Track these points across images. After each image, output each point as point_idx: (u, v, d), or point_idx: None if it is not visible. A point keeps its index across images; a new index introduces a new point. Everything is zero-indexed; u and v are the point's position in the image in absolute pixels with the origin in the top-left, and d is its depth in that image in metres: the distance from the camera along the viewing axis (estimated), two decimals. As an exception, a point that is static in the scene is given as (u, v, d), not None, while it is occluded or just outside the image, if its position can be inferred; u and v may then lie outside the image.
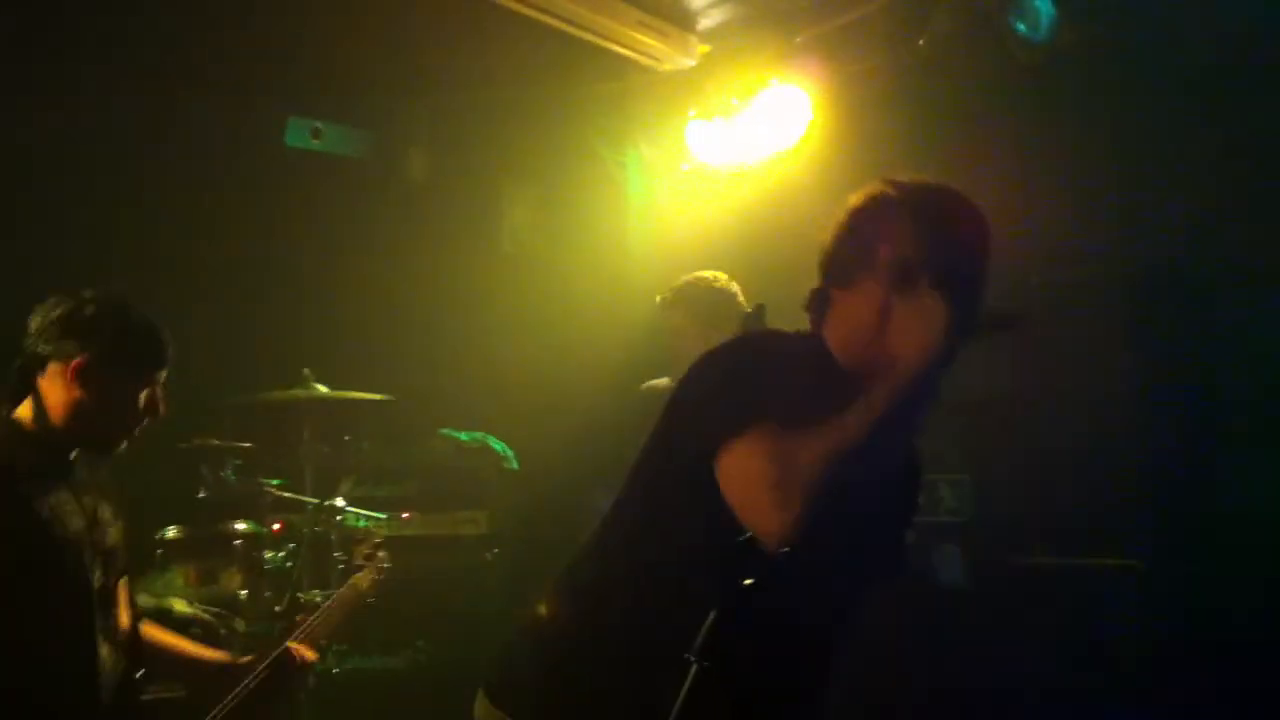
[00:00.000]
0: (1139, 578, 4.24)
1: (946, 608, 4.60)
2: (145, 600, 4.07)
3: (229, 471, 4.96)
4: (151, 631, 3.03)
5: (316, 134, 5.92)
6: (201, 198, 5.57)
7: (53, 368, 2.68)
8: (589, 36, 4.96)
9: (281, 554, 4.92)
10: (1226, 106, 4.23)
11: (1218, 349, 4.27)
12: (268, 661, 3.09)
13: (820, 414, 1.94)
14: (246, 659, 3.11)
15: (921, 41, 4.50)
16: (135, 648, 2.84)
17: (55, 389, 2.68)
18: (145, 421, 2.79)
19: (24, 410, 2.70)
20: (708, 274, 4.23)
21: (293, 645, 3.16)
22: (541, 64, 5.31)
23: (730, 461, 1.95)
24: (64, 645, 2.63)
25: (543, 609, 2.30)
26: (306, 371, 5.05)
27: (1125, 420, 4.36)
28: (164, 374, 2.81)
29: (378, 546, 3.72)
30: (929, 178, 2.22)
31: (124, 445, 2.80)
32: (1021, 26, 4.21)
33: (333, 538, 4.93)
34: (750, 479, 1.93)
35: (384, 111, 6.11)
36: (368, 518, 5.07)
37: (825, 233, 2.24)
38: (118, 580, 2.80)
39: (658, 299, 4.25)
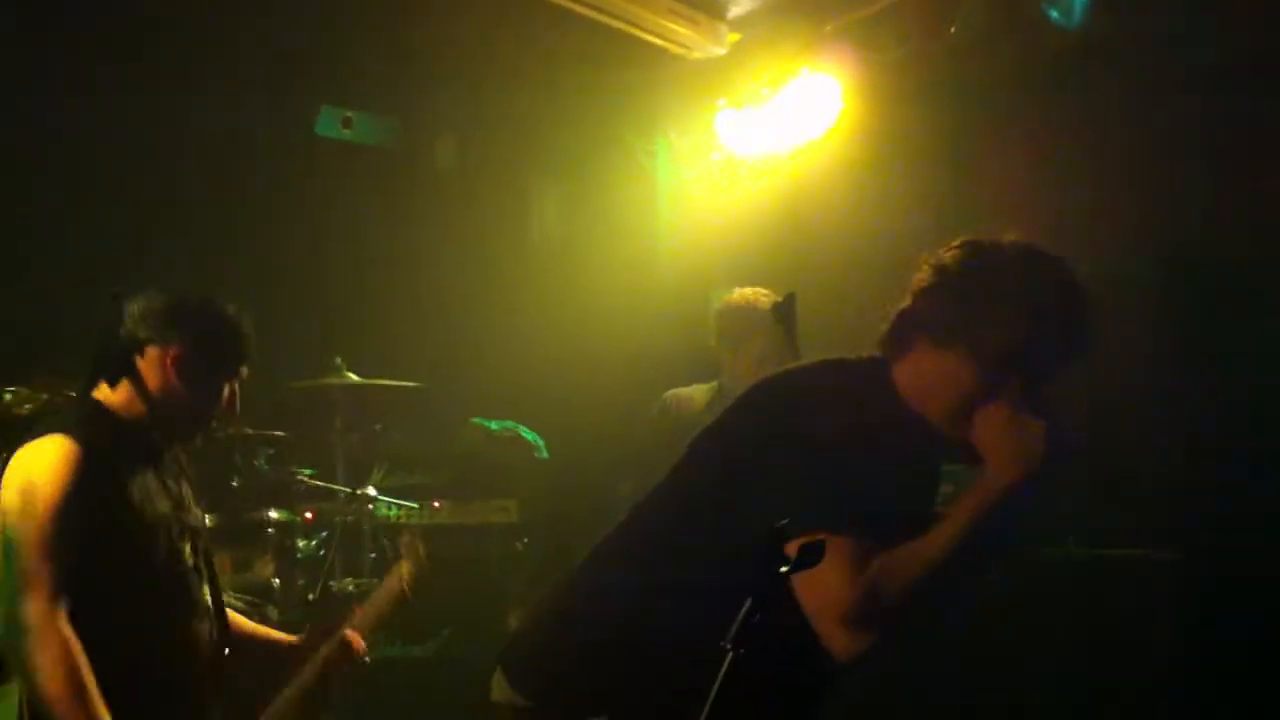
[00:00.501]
0: (1172, 569, 4.20)
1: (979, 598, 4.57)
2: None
3: (262, 460, 4.99)
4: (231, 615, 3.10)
5: (347, 123, 5.95)
6: (233, 187, 5.60)
7: (151, 353, 2.78)
8: (619, 24, 4.96)
9: (314, 542, 4.96)
10: (1251, 98, 4.19)
11: (1253, 338, 4.22)
12: (330, 648, 3.12)
13: (898, 501, 1.92)
14: (308, 638, 3.15)
15: (953, 29, 4.46)
16: (225, 622, 2.92)
17: (151, 375, 2.77)
18: (224, 418, 2.93)
19: (112, 394, 2.78)
20: (727, 294, 4.27)
21: (350, 633, 3.16)
22: (571, 52, 5.31)
23: (801, 579, 1.82)
24: (164, 621, 2.70)
25: (565, 598, 2.30)
26: (338, 360, 5.08)
27: (1159, 411, 4.33)
28: (246, 370, 2.92)
29: (414, 537, 3.72)
30: (1044, 248, 2.10)
31: (200, 438, 2.94)
32: (1055, 13, 4.18)
33: (364, 526, 4.96)
34: (829, 597, 1.88)
35: (413, 100, 6.12)
36: (399, 506, 5.10)
37: (926, 269, 2.13)
38: (206, 558, 2.89)
39: None
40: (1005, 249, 2.09)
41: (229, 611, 3.09)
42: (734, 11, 5.21)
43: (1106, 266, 4.47)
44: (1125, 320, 4.40)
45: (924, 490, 2.17)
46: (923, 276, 2.12)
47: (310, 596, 4.67)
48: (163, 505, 2.75)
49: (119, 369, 2.78)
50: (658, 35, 5.13)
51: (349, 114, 5.95)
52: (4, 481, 2.61)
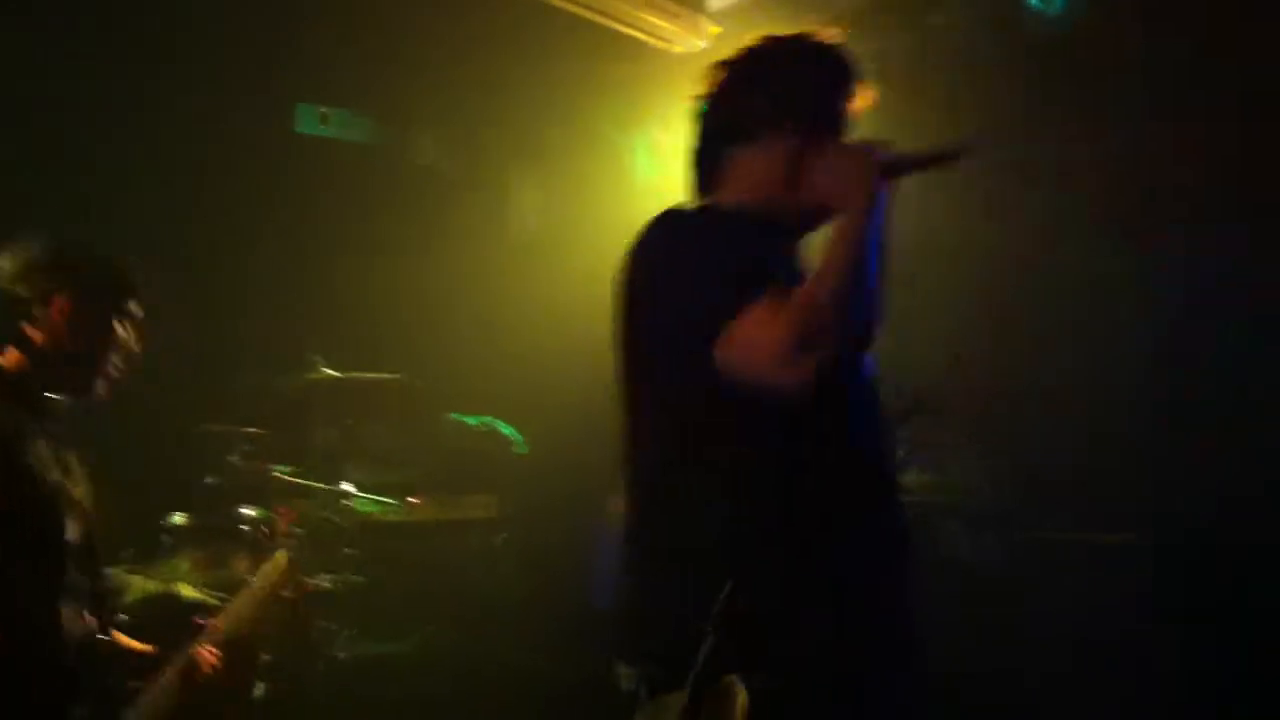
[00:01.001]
0: (1145, 553, 4.23)
1: (958, 582, 4.58)
2: (152, 585, 4.07)
3: (237, 457, 4.94)
4: None
5: (325, 119, 5.91)
6: (211, 183, 5.55)
7: (36, 311, 2.66)
8: (599, 18, 4.94)
9: (291, 540, 4.91)
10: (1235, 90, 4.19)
11: (1226, 329, 4.24)
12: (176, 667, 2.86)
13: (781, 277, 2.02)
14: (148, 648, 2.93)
15: (934, 20, 4.46)
16: (101, 607, 2.76)
17: (39, 331, 2.65)
18: (119, 359, 2.77)
19: (3, 358, 2.67)
20: None
21: (199, 650, 2.91)
22: (551, 46, 5.28)
23: (735, 340, 1.94)
24: (36, 602, 2.57)
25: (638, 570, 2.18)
26: (316, 356, 5.03)
27: (1134, 398, 4.35)
28: (132, 304, 2.80)
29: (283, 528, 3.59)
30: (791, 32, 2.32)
31: (105, 388, 2.76)
32: (1036, 2, 4.17)
33: (342, 523, 4.92)
34: (763, 341, 1.92)
35: (392, 96, 6.08)
36: (375, 502, 5.06)
37: (697, 96, 2.31)
38: (90, 537, 2.74)
39: None
40: (755, 41, 2.33)
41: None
42: (715, 5, 5.20)
43: (1086, 261, 4.51)
44: (1108, 315, 4.42)
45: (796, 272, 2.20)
46: (698, 105, 2.33)
47: (285, 593, 4.62)
48: (53, 475, 2.64)
49: (4, 330, 2.66)
50: (638, 29, 5.11)
51: (326, 110, 5.90)
52: None
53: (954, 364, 3.99)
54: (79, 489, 2.74)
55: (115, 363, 2.76)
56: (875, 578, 2.08)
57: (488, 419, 5.62)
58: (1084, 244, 4.45)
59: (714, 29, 5.26)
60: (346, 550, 4.91)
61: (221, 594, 3.31)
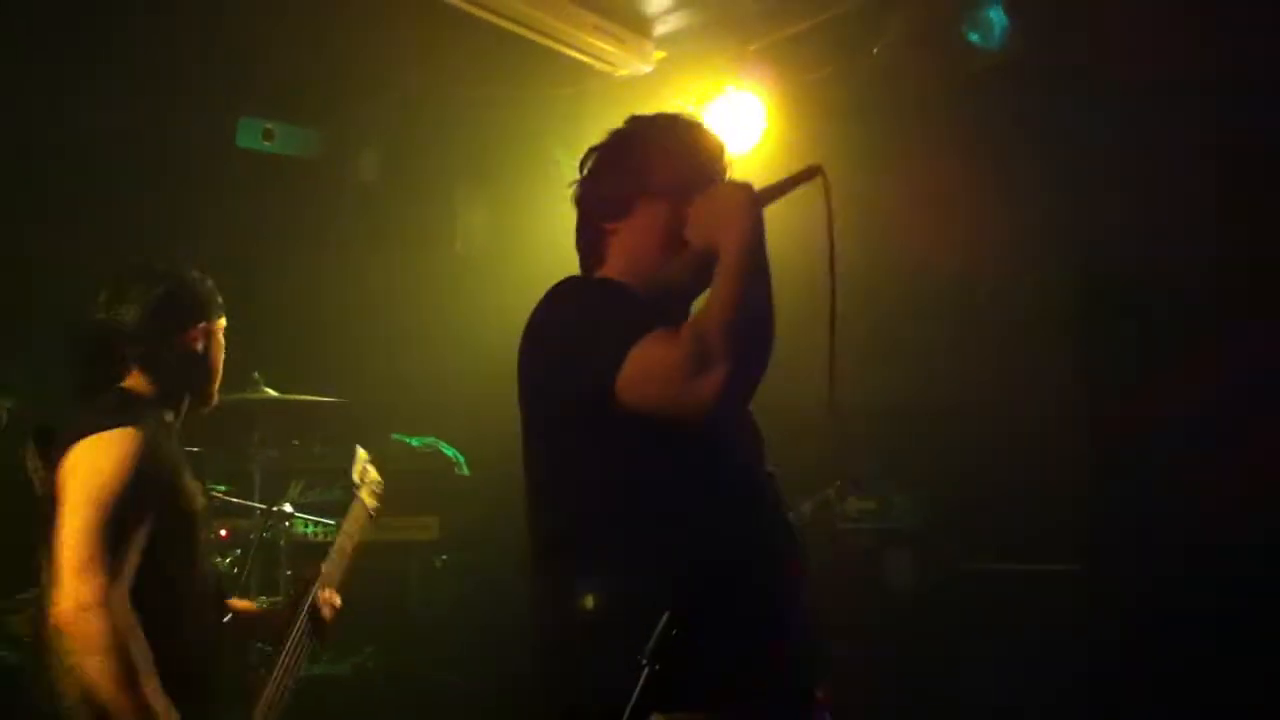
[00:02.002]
0: (1078, 581, 4.31)
1: (898, 612, 4.63)
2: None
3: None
4: None
5: (268, 135, 5.87)
6: (151, 199, 5.50)
7: (178, 341, 2.91)
8: (544, 40, 4.95)
9: (229, 559, 4.86)
10: (1163, 116, 4.29)
11: (1155, 355, 4.33)
12: (302, 611, 3.18)
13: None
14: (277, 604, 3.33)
15: (876, 50, 4.52)
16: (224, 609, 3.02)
17: (180, 357, 2.91)
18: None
19: (138, 383, 2.86)
20: None
21: (322, 593, 3.22)
22: (496, 67, 5.29)
23: (632, 373, 2.00)
24: (198, 610, 2.81)
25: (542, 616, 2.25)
26: (256, 375, 4.99)
27: (1067, 429, 4.42)
28: (222, 318, 3.10)
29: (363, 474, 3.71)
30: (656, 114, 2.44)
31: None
32: (975, 36, 4.25)
33: (281, 544, 4.88)
34: (664, 366, 1.99)
35: (336, 112, 6.06)
36: (317, 523, 5.02)
37: (573, 184, 2.42)
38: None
39: None
40: (621, 127, 2.44)
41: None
42: (660, 30, 5.23)
43: (1022, 283, 4.58)
44: (1039, 337, 4.50)
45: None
46: (574, 190, 2.44)
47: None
48: (200, 492, 2.86)
49: (150, 360, 2.87)
50: (584, 52, 5.13)
51: (270, 126, 5.87)
52: (67, 473, 2.63)
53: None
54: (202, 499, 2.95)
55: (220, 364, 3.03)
56: (775, 607, 2.14)
57: (431, 439, 5.60)
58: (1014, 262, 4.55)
59: (658, 53, 5.30)
60: (285, 571, 4.87)
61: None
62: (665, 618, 1.59)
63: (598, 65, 5.23)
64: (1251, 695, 3.86)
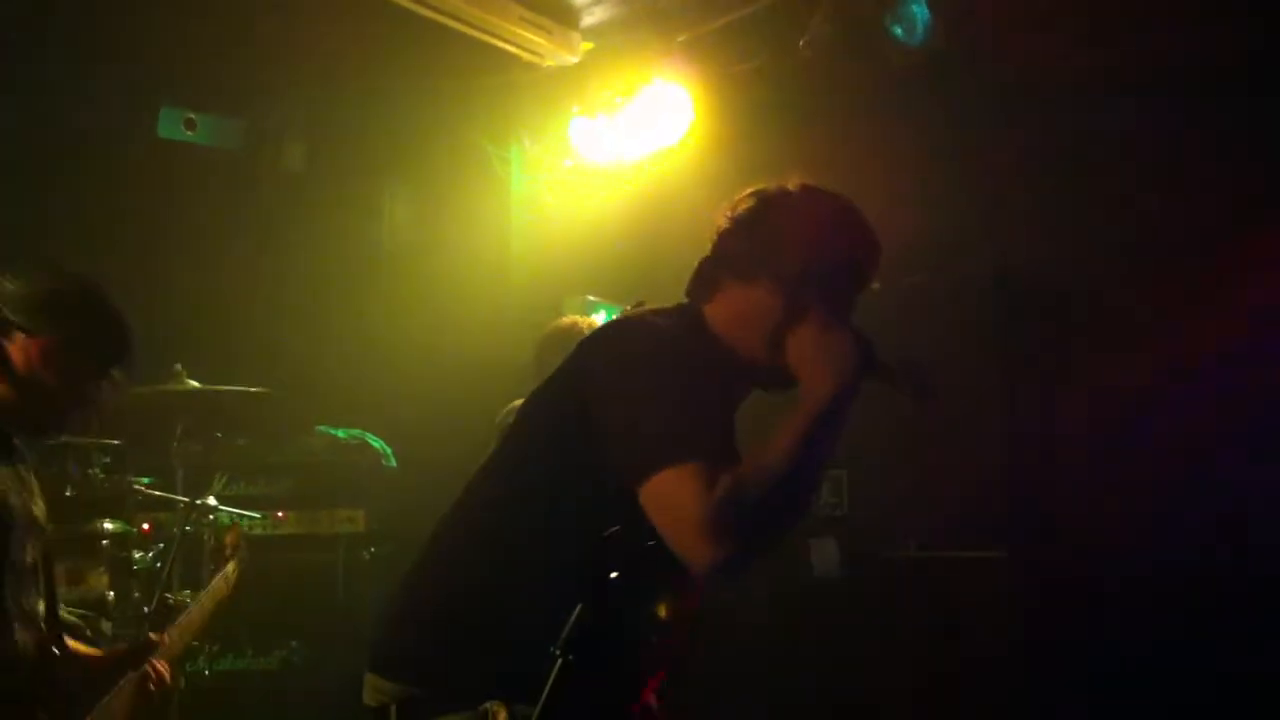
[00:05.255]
0: (999, 567, 4.39)
1: (821, 598, 4.69)
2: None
3: (97, 469, 4.81)
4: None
5: (190, 125, 5.79)
6: (72, 188, 5.41)
7: (20, 339, 2.63)
8: (470, 31, 4.94)
9: (150, 554, 4.81)
10: (1082, 116, 4.38)
11: (1075, 347, 4.42)
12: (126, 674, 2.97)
13: (727, 418, 2.07)
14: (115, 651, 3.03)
15: (801, 44, 4.56)
16: (58, 629, 2.78)
17: (17, 360, 2.63)
18: (83, 414, 2.80)
19: None
20: (556, 316, 4.28)
21: (153, 664, 3.01)
22: (422, 57, 5.27)
23: (660, 490, 1.94)
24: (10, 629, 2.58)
25: (420, 580, 2.26)
26: (178, 366, 4.93)
27: (989, 419, 4.50)
28: (120, 375, 2.79)
29: (239, 538, 3.64)
30: (829, 188, 2.29)
31: (58, 435, 2.86)
32: (898, 31, 4.30)
33: (205, 537, 4.82)
34: (686, 513, 1.92)
35: (260, 102, 5.99)
36: (241, 516, 4.97)
37: (725, 214, 2.28)
38: (46, 560, 2.75)
39: None
40: (790, 189, 2.29)
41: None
42: (587, 21, 5.24)
43: (945, 277, 4.66)
44: (960, 328, 4.57)
45: (732, 424, 2.25)
46: (721, 223, 2.29)
47: (146, 609, 4.52)
48: (14, 500, 2.64)
49: None
50: (510, 43, 5.12)
51: (192, 116, 5.79)
52: None
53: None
54: (38, 508, 2.74)
55: (76, 414, 2.77)
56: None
57: (357, 432, 5.57)
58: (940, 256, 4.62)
59: (585, 45, 5.30)
60: (210, 566, 4.81)
61: (85, 611, 3.25)
62: (578, 609, 1.61)
63: (524, 56, 5.22)
64: (1177, 677, 3.96)
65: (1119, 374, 4.18)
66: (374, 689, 2.15)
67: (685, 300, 2.30)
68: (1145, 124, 4.19)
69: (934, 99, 4.62)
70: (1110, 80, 4.27)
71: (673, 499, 1.93)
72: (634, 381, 2.06)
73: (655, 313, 2.25)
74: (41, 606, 2.73)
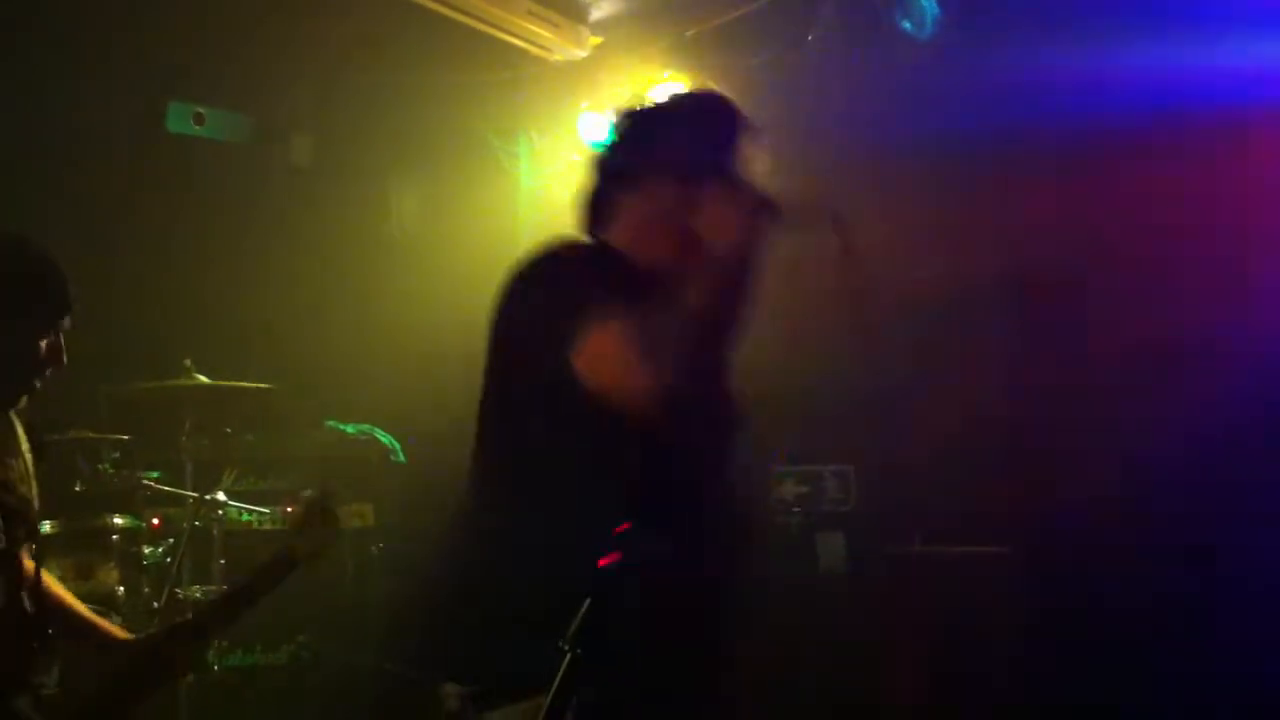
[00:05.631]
0: (1006, 564, 4.38)
1: (827, 595, 4.68)
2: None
3: (106, 464, 4.84)
4: (60, 595, 2.88)
5: (199, 119, 5.80)
6: (81, 183, 5.41)
7: None
8: (479, 25, 4.94)
9: (160, 549, 4.82)
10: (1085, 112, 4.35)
11: (1083, 343, 4.40)
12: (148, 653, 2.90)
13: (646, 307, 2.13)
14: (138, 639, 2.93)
15: (810, 37, 4.55)
16: (38, 614, 2.67)
17: None
18: (48, 371, 2.62)
19: None
20: None
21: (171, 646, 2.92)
22: (431, 51, 5.27)
23: (590, 350, 2.04)
24: None
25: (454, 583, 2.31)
26: (187, 362, 4.94)
27: (996, 413, 4.49)
28: (67, 320, 2.65)
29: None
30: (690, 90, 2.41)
31: (26, 398, 2.65)
32: (907, 24, 4.28)
33: (214, 532, 4.83)
34: (612, 354, 2.03)
35: (268, 97, 5.99)
36: (250, 511, 4.98)
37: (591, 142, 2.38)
38: (21, 545, 2.65)
39: None
40: (648, 98, 2.48)
41: (68, 597, 2.90)
42: (595, 15, 5.24)
43: (951, 273, 4.64)
44: (968, 330, 4.56)
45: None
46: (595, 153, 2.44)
47: (156, 605, 4.53)
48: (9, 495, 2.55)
49: None
50: (519, 37, 5.12)
51: (201, 110, 5.80)
52: None
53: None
54: (12, 496, 2.63)
55: (34, 375, 2.61)
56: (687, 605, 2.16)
57: (366, 427, 5.57)
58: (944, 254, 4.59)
59: (594, 39, 5.30)
60: (219, 560, 4.83)
61: (94, 606, 3.20)
62: (587, 603, 1.61)
63: (533, 50, 5.22)
64: (1180, 674, 3.95)
65: (1125, 371, 4.17)
66: (445, 695, 2.20)
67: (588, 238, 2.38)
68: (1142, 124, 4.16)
69: (943, 93, 4.60)
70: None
71: (600, 353, 2.03)
72: (537, 292, 2.21)
73: (572, 243, 2.36)
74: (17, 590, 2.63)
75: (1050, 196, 4.40)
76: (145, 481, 4.85)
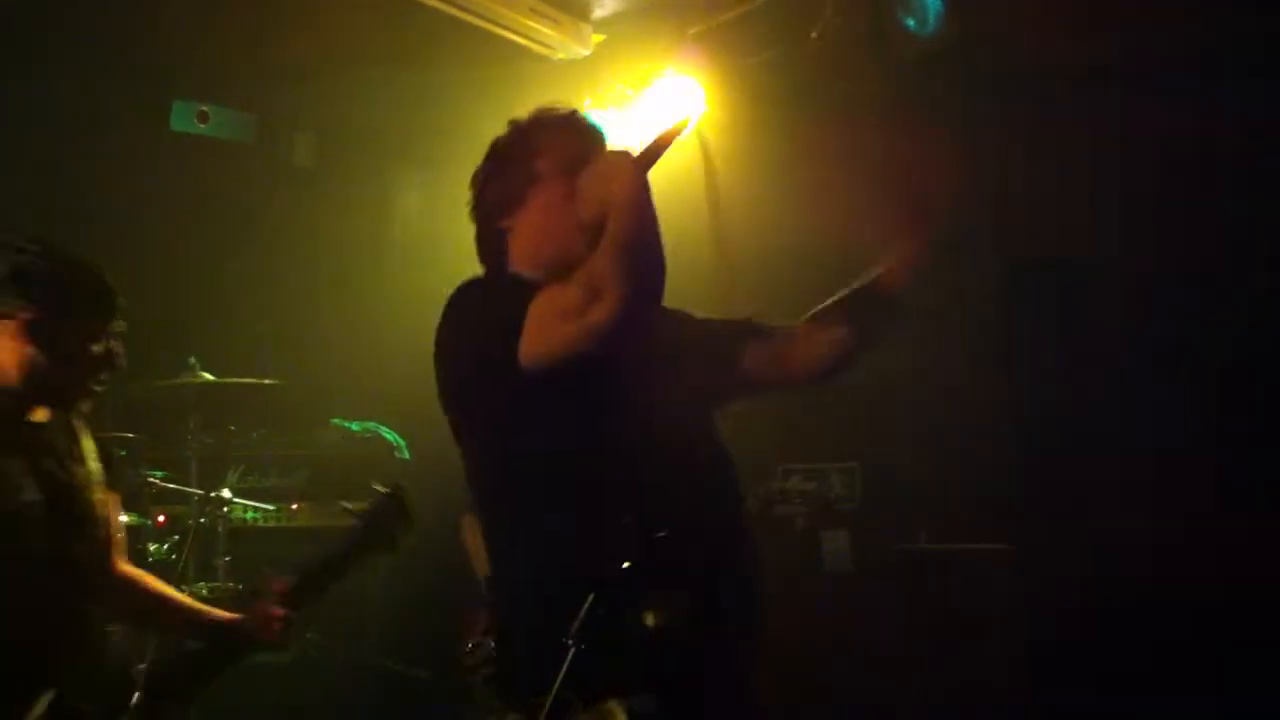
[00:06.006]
0: (1012, 561, 4.38)
1: (832, 592, 4.69)
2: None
3: (111, 462, 4.83)
4: (149, 584, 3.06)
5: (203, 118, 5.81)
6: (84, 182, 5.42)
7: (2, 325, 2.62)
8: (481, 22, 4.94)
9: (165, 547, 4.83)
10: (1093, 101, 4.35)
11: (1090, 339, 4.40)
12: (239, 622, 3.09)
13: None
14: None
15: (814, 35, 4.55)
16: (98, 614, 2.80)
17: (5, 348, 2.62)
18: (103, 375, 2.74)
19: None
20: None
21: (266, 609, 3.10)
22: (433, 50, 5.27)
23: (531, 325, 2.08)
24: (14, 615, 2.58)
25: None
26: (192, 359, 4.95)
27: (1000, 410, 4.49)
28: (118, 324, 2.76)
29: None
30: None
31: (87, 400, 2.77)
32: (910, 22, 4.29)
33: (219, 529, 4.85)
34: (557, 304, 2.08)
35: (271, 95, 6.00)
36: (255, 508, 5.00)
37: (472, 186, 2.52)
38: (90, 545, 2.75)
39: None
40: (507, 127, 2.54)
41: (160, 585, 3.07)
42: (598, 13, 5.23)
43: (953, 267, 4.64)
44: (973, 320, 4.56)
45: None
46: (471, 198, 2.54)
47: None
48: (27, 494, 2.63)
49: None
50: (521, 35, 5.12)
51: (205, 109, 5.80)
52: None
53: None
54: (77, 501, 2.73)
55: (90, 379, 2.73)
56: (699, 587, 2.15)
57: (371, 424, 5.58)
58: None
59: (596, 37, 5.30)
60: (224, 557, 4.84)
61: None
62: (590, 598, 1.62)
63: (535, 48, 5.22)
64: (1185, 672, 3.95)
65: (1131, 366, 4.17)
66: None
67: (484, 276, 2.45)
68: (1164, 109, 4.14)
69: (945, 89, 4.60)
70: (1128, 63, 4.24)
71: (543, 314, 2.08)
72: (461, 324, 2.28)
73: (481, 278, 2.45)
74: (82, 592, 2.74)
75: (1056, 186, 4.41)
76: (150, 479, 4.87)
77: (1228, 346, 4.05)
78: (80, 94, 5.29)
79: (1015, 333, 4.52)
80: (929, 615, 4.47)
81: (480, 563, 2.66)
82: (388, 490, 3.29)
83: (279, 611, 3.07)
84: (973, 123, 4.61)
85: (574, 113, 2.51)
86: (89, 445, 2.85)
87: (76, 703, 2.71)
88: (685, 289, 2.37)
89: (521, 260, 2.40)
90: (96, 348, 2.70)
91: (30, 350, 2.62)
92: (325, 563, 3.19)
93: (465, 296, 2.33)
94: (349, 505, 3.45)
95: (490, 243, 2.47)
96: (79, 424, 2.85)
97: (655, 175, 2.26)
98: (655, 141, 2.30)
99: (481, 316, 2.24)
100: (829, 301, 2.59)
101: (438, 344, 2.32)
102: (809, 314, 2.63)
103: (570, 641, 1.66)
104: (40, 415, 2.74)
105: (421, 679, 4.96)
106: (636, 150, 2.28)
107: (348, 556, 3.17)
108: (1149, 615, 4.09)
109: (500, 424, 2.21)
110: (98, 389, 2.76)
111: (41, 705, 2.64)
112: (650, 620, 1.65)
